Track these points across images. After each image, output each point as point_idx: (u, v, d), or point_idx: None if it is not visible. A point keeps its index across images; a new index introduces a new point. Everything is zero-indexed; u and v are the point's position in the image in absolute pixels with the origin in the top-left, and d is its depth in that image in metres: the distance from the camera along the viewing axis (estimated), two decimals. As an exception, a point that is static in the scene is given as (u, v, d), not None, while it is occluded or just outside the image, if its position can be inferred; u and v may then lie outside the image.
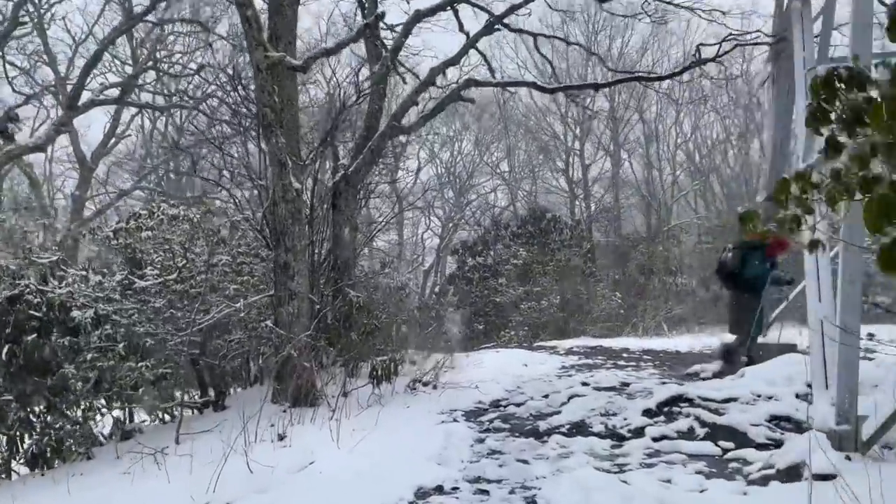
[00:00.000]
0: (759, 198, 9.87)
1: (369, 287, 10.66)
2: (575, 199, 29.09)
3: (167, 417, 8.23)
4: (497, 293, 19.45)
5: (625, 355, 13.33)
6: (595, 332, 16.95)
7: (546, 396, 7.65)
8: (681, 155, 28.32)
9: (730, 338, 10.14)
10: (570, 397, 7.23)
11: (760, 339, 10.27)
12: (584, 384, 7.83)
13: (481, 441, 6.07)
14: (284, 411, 7.14)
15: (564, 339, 16.29)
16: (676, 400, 6.17)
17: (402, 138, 10.96)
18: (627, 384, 7.70)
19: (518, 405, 7.38)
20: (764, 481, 4.42)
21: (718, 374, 10.33)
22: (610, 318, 17.52)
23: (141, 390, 7.20)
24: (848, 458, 4.07)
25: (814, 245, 3.23)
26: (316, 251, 8.85)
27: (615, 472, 4.89)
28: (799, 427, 5.38)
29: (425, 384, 8.65)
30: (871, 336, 16.98)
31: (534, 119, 30.68)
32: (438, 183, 33.20)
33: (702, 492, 4.35)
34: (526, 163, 31.64)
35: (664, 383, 7.82)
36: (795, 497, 3.99)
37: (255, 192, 8.58)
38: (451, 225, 34.28)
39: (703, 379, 10.21)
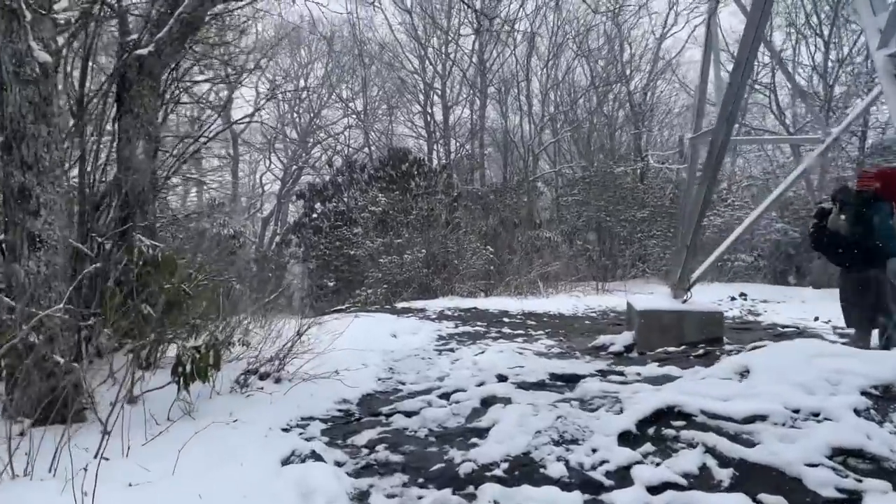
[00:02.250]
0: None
1: (186, 233, 7.56)
2: (434, 143, 26.72)
3: None
4: (352, 245, 16.75)
5: (506, 320, 11.37)
6: (464, 291, 14.89)
7: (447, 397, 5.23)
8: (549, 104, 26.75)
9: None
10: (486, 401, 4.87)
11: (680, 304, 8.59)
12: (501, 378, 5.50)
13: (363, 500, 3.53)
14: (21, 434, 4.21)
15: (431, 299, 14.08)
16: (666, 415, 3.98)
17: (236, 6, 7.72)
18: (567, 379, 5.46)
19: (409, 414, 4.89)
20: None
21: (630, 348, 8.59)
22: (479, 275, 15.51)
23: None
24: None
25: None
26: (90, 174, 5.66)
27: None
28: (880, 467, 3.38)
29: (264, 376, 5.91)
30: (743, 296, 16.51)
31: (390, 53, 27.70)
32: (280, 123, 29.41)
33: None
34: (382, 99, 28.67)
35: (608, 374, 5.69)
36: None
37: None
38: (294, 168, 30.76)
39: (615, 354, 8.42)
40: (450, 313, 11.86)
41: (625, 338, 8.56)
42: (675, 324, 8.21)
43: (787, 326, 9.98)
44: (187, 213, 8.16)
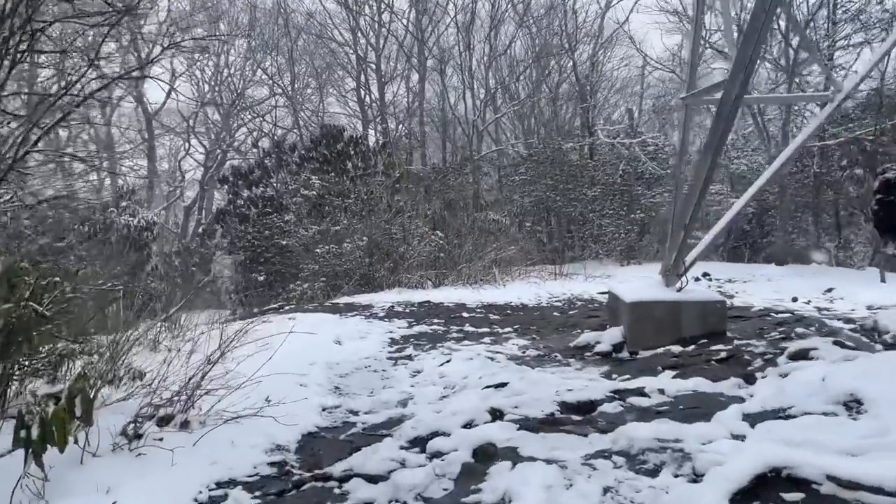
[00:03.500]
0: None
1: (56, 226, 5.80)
2: (369, 122, 24.93)
3: None
4: (283, 234, 14.96)
5: (465, 315, 9.97)
6: (412, 282, 13.40)
7: (421, 445, 3.77)
8: (490, 78, 25.24)
9: None
10: (482, 453, 3.45)
11: (674, 293, 7.40)
12: (495, 414, 4.06)
13: None
14: None
15: (377, 293, 12.54)
16: (773, 482, 2.63)
17: None
18: (583, 409, 4.07)
19: (372, 479, 3.42)
20: None
21: (619, 347, 7.35)
22: (428, 263, 14.04)
23: None
24: None
25: None
26: None
27: None
28: None
29: (164, 421, 4.30)
30: (707, 276, 15.65)
31: (318, 24, 25.61)
32: (199, 101, 27.02)
33: None
34: (311, 75, 26.57)
35: (626, 396, 4.34)
36: None
37: None
38: (218, 152, 28.42)
39: (603, 355, 7.16)
40: (400, 309, 10.38)
41: (612, 335, 7.32)
42: (670, 317, 7.04)
43: (781, 312, 8.95)
44: (41, 199, 6.25)
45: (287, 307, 11.49)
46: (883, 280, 12.80)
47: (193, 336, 6.88)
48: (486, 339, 8.09)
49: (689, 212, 6.76)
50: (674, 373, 5.32)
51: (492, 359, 6.91)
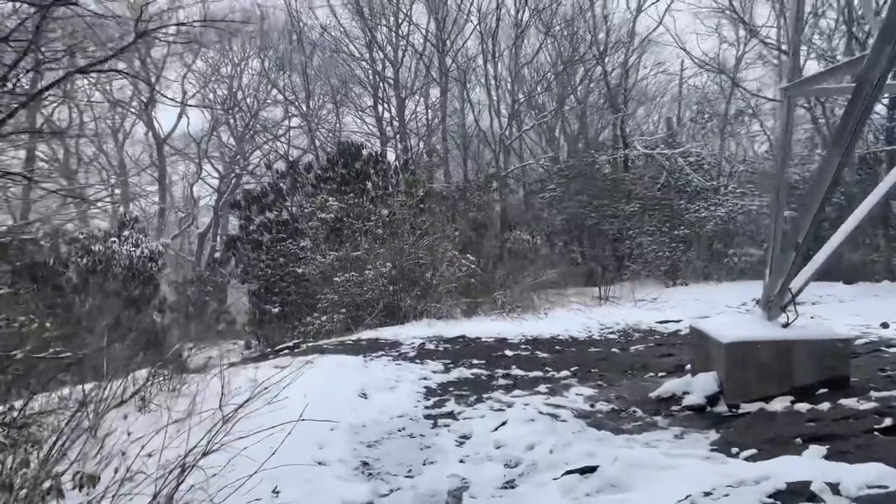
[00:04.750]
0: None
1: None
2: (388, 141, 23.73)
3: None
4: (299, 261, 13.69)
5: (509, 353, 8.55)
6: (441, 312, 12.03)
7: None
8: (517, 91, 23.89)
9: None
10: None
11: (780, 330, 5.96)
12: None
13: None
14: None
15: (403, 325, 11.21)
16: None
17: None
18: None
19: None
20: None
21: (714, 399, 5.94)
22: (458, 290, 12.67)
23: None
24: None
25: None
26: None
27: None
28: None
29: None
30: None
31: (332, 38, 24.57)
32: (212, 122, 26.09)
33: None
34: (326, 93, 25.50)
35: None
36: None
37: None
38: (232, 176, 27.44)
39: (695, 410, 5.74)
40: (432, 347, 9.01)
41: (703, 383, 5.89)
42: (778, 360, 5.61)
43: (890, 345, 7.46)
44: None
45: (304, 345, 10.18)
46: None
47: (194, 388, 5.70)
48: (542, 388, 6.68)
49: (806, 226, 5.33)
50: (823, 449, 3.91)
51: (555, 416, 5.54)
